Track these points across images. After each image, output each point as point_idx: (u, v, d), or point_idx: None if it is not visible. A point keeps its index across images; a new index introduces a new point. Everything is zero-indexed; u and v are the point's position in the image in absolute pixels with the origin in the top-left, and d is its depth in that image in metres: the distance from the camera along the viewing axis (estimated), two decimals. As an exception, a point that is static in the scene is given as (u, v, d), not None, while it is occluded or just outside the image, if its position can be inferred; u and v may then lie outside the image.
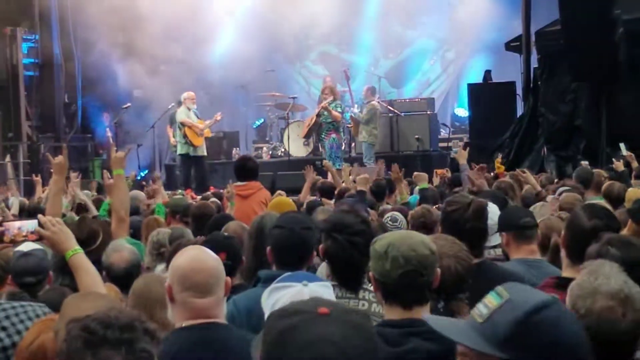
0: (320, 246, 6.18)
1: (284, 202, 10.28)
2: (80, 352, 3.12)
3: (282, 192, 13.73)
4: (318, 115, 24.57)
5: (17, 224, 6.56)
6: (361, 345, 2.84)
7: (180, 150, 25.12)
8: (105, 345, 3.11)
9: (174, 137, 26.05)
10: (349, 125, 25.46)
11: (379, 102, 26.42)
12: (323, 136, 24.71)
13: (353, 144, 25.42)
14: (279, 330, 2.86)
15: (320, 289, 4.45)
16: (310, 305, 2.99)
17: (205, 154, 25.49)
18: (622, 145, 13.07)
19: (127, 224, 9.96)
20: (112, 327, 3.15)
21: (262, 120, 29.23)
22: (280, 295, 4.38)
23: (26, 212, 13.72)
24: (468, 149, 15.33)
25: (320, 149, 25.46)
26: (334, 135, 24.75)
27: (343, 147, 25.20)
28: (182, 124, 25.00)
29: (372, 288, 5.74)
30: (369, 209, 10.78)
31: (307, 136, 25.50)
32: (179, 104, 25.48)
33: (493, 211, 7.64)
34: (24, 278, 7.08)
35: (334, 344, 2.67)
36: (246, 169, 13.87)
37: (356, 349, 2.73)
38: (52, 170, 12.12)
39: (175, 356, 4.90)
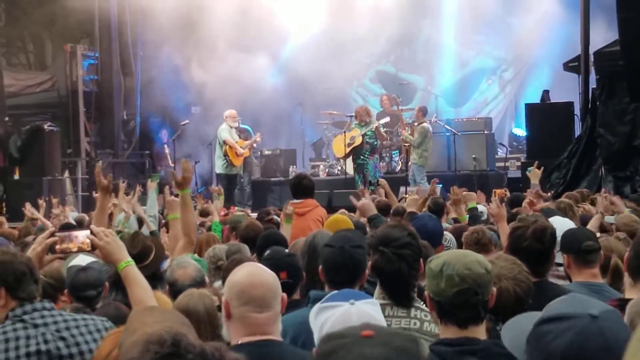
0: (369, 262, 6.18)
1: (341, 220, 10.23)
2: None
3: (344, 211, 13.67)
4: (364, 135, 24.49)
5: (72, 233, 6.60)
6: None
7: (219, 169, 25.32)
8: None
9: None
10: (406, 145, 25.35)
11: (431, 122, 26.37)
12: (366, 156, 24.60)
13: (409, 164, 25.27)
14: (325, 352, 2.90)
15: (367, 307, 4.45)
16: (356, 328, 3.01)
17: (241, 172, 25.67)
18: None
19: (193, 245, 9.94)
20: (179, 345, 3.16)
21: (319, 137, 29.24)
22: (328, 315, 4.41)
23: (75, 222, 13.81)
24: (542, 168, 15.37)
25: (354, 168, 25.16)
26: (376, 156, 25.04)
27: (400, 167, 25.14)
28: (225, 143, 25.17)
29: (424, 306, 5.79)
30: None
31: (346, 156, 25.32)
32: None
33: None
34: (85, 292, 7.10)
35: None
36: (302, 187, 13.96)
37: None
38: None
39: None
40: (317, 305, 4.63)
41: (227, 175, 25.06)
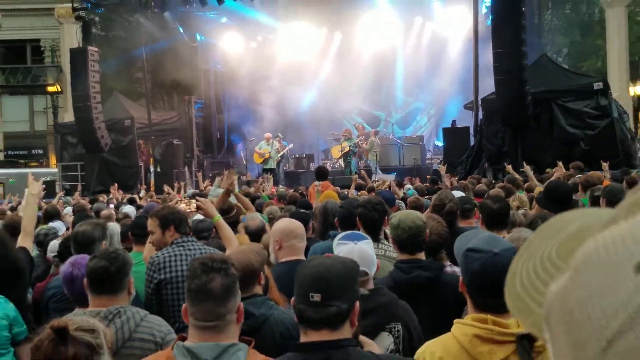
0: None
1: (333, 194, 10.36)
2: (198, 271, 3.04)
3: (337, 188, 13.70)
4: (349, 146, 24.77)
5: (191, 200, 6.80)
6: (340, 268, 2.98)
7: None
8: (212, 270, 3.04)
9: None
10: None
11: (389, 138, 27.32)
12: (350, 157, 24.78)
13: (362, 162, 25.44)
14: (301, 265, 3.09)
15: (364, 245, 4.35)
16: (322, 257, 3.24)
17: (274, 166, 25.15)
18: (526, 165, 13.12)
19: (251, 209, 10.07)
20: (215, 261, 3.09)
21: (326, 147, 29.19)
22: (341, 248, 4.27)
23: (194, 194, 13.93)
24: (446, 165, 15.60)
25: (343, 164, 25.48)
26: (356, 158, 25.14)
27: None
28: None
29: (387, 242, 5.79)
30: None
31: (339, 158, 25.59)
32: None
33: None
34: (202, 233, 7.22)
35: (323, 265, 2.92)
36: (321, 173, 14.13)
37: (337, 269, 2.95)
38: (211, 175, 12.44)
39: (278, 278, 4.78)
40: (336, 240, 4.50)
41: (266, 169, 24.92)
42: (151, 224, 5.88)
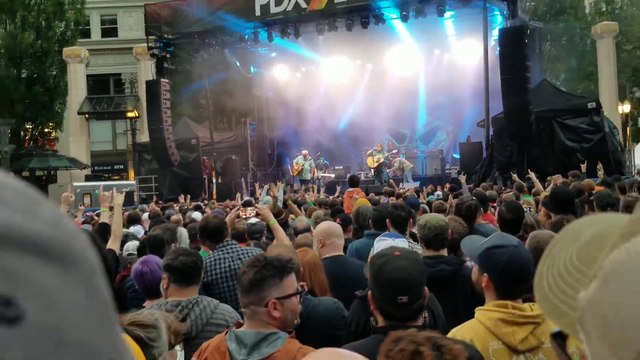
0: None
1: (365, 200, 10.33)
2: (244, 268, 2.99)
3: (372, 194, 13.66)
4: (381, 157, 24.56)
5: (247, 208, 6.81)
6: (418, 269, 2.92)
7: (300, 176, 25.30)
8: (267, 265, 2.96)
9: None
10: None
11: (414, 152, 27.13)
12: (382, 168, 24.57)
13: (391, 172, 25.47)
14: (376, 262, 2.93)
15: (400, 242, 4.36)
16: (390, 250, 3.07)
17: (308, 178, 24.83)
18: (531, 173, 12.97)
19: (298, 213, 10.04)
20: (269, 259, 3.01)
21: (360, 160, 28.81)
22: (381, 244, 4.29)
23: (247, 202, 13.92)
24: (465, 175, 15.47)
25: (374, 174, 25.18)
26: (387, 169, 24.94)
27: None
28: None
29: (411, 240, 5.71)
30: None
31: (374, 167, 25.13)
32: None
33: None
34: (254, 235, 7.31)
35: (405, 269, 2.83)
36: (354, 181, 14.01)
37: (416, 270, 2.88)
38: (263, 185, 12.52)
39: (329, 270, 4.70)
40: (378, 238, 4.51)
41: (302, 179, 24.93)
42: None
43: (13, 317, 0.32)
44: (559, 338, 0.56)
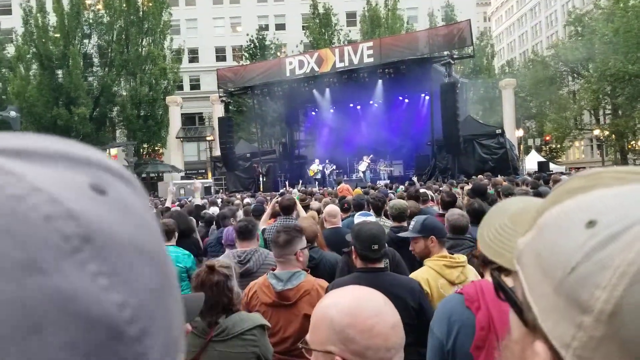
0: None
1: (358, 191, 9.94)
2: (276, 232, 2.89)
3: (358, 189, 13.15)
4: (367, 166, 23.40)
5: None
6: (381, 230, 2.77)
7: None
8: (292, 230, 2.90)
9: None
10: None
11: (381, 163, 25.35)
12: (366, 171, 23.23)
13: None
14: (357, 228, 2.79)
15: (370, 218, 4.25)
16: (364, 223, 2.89)
17: (319, 177, 22.72)
18: (461, 176, 12.77)
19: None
20: (291, 226, 2.97)
21: (354, 166, 26.77)
22: (359, 219, 4.15)
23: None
24: (416, 176, 15.21)
25: (363, 175, 23.45)
26: (370, 173, 23.62)
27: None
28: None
29: (384, 218, 5.25)
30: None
31: (364, 170, 23.76)
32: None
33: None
34: (288, 210, 6.50)
35: (374, 229, 2.72)
36: (339, 182, 13.59)
37: (380, 231, 2.74)
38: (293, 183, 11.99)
39: (326, 237, 4.36)
40: (356, 215, 4.42)
41: (315, 179, 23.50)
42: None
43: (102, 190, 0.32)
44: (496, 271, 0.52)
